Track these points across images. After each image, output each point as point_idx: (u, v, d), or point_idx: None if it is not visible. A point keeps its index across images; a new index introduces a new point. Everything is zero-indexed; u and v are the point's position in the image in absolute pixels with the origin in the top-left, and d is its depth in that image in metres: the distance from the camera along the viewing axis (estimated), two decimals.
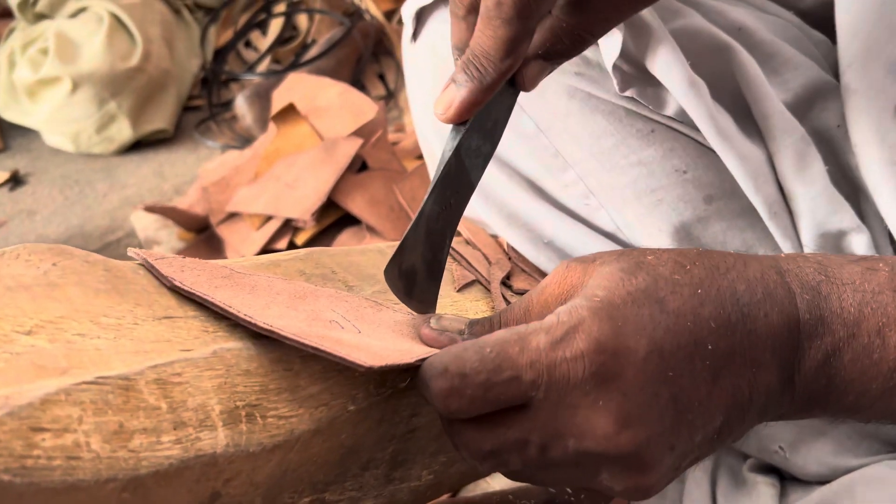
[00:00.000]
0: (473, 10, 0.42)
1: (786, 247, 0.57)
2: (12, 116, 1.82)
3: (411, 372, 0.44)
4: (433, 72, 0.64)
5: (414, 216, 0.45)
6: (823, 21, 0.69)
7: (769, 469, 0.62)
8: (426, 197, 0.45)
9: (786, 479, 0.61)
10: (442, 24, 0.63)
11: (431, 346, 0.42)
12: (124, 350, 0.33)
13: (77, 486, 0.29)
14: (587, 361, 0.35)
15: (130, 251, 0.39)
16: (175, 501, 0.34)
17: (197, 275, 0.39)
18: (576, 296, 0.38)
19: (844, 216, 0.55)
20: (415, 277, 0.46)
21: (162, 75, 1.79)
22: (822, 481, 0.58)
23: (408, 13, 0.65)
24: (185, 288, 0.38)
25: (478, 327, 0.42)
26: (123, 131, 1.75)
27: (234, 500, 0.37)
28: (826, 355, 0.38)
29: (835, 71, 0.63)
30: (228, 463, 0.35)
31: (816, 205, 0.56)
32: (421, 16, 0.64)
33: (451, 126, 0.45)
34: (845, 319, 0.38)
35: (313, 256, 0.49)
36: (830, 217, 0.56)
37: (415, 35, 0.65)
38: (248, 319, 0.37)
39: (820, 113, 0.60)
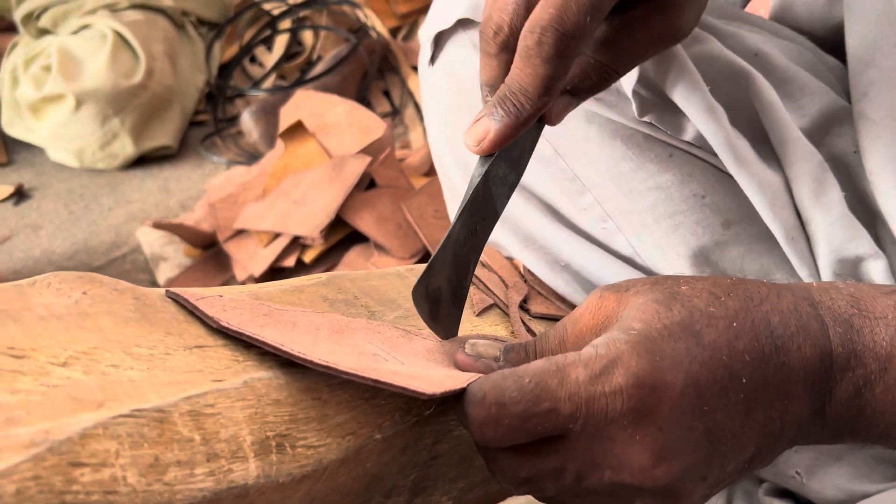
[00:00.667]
0: (506, 48, 0.44)
1: (803, 272, 0.57)
2: (17, 133, 1.82)
3: (435, 400, 0.44)
4: (450, 95, 0.65)
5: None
6: (836, 46, 0.69)
7: (785, 493, 0.62)
8: (454, 221, 0.45)
9: (801, 503, 0.61)
10: (460, 49, 0.63)
11: (467, 370, 0.42)
12: (157, 381, 0.33)
13: None
14: (625, 396, 0.36)
15: (167, 292, 0.39)
16: None
17: (240, 314, 0.39)
18: (611, 326, 0.39)
19: (862, 242, 0.56)
20: (440, 302, 0.47)
21: (165, 92, 1.79)
22: None
23: (426, 36, 0.65)
24: (234, 329, 0.38)
25: (513, 354, 0.43)
26: (126, 148, 1.75)
27: None
28: (857, 387, 0.38)
29: (849, 96, 0.64)
30: (259, 494, 0.35)
31: (833, 231, 0.56)
32: (439, 40, 0.64)
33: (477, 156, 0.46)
34: (877, 353, 0.38)
35: (335, 281, 0.49)
36: (848, 243, 0.56)
37: (432, 59, 0.65)
38: (304, 357, 0.37)
39: (836, 138, 0.60)
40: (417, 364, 0.42)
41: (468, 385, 0.37)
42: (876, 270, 0.56)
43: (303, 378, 0.38)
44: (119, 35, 1.77)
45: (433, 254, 0.45)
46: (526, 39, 0.41)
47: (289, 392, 0.37)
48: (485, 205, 0.47)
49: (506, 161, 0.47)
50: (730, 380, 0.36)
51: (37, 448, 0.26)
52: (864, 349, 0.38)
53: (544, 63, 0.41)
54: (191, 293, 0.39)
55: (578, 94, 0.47)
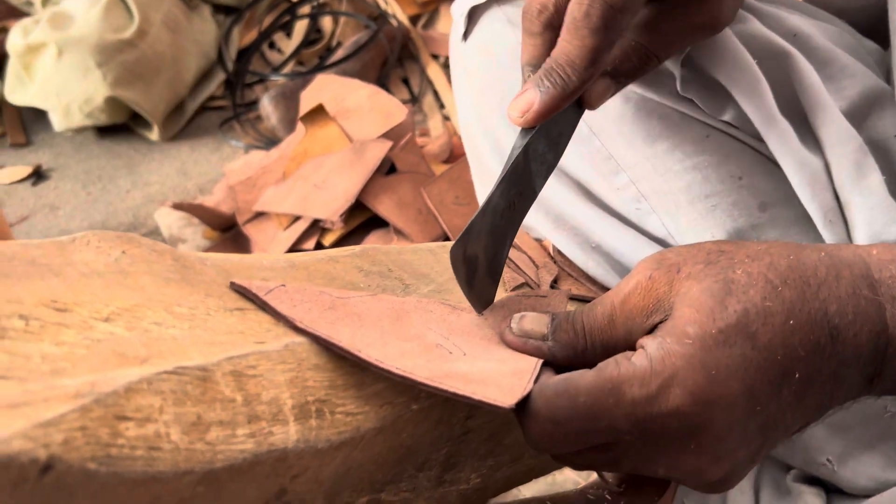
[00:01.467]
0: (549, 27, 0.44)
1: None
2: (17, 98, 1.80)
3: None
4: (483, 71, 0.64)
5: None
6: (873, 29, 0.68)
7: (813, 481, 0.61)
8: (493, 188, 0.45)
9: (831, 491, 0.60)
10: (494, 24, 0.62)
11: (517, 351, 0.42)
12: (200, 341, 0.32)
13: (157, 477, 0.28)
14: (681, 415, 0.36)
15: (233, 284, 0.38)
16: (244, 497, 0.33)
17: (308, 308, 0.38)
18: (663, 310, 0.38)
19: None
20: (476, 269, 0.46)
21: (156, 58, 1.74)
22: (870, 495, 0.57)
23: (459, 11, 0.64)
24: (309, 329, 0.37)
25: (562, 334, 0.42)
26: (102, 91, 1.70)
27: (299, 497, 0.36)
28: None
29: (889, 79, 0.63)
30: (297, 459, 0.34)
31: (873, 215, 0.55)
32: (472, 15, 0.63)
33: (513, 128, 0.46)
34: None
35: (368, 253, 0.49)
36: (888, 227, 0.55)
37: (465, 34, 0.64)
38: (381, 365, 0.37)
39: (876, 121, 0.59)
40: (476, 348, 0.42)
41: (524, 399, 0.37)
42: None
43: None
44: None
45: (472, 218, 0.44)
46: (574, 11, 0.42)
47: (328, 357, 0.37)
48: (523, 178, 0.46)
49: (545, 138, 0.46)
50: (783, 377, 0.37)
51: (83, 399, 0.26)
52: None
53: (592, 34, 0.42)
54: (257, 286, 0.38)
55: (618, 76, 0.48)
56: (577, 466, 0.41)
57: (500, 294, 0.55)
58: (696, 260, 0.39)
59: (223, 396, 0.31)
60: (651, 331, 0.39)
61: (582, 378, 0.37)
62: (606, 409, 0.36)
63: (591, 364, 0.39)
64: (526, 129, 0.45)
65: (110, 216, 1.60)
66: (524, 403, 0.37)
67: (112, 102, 1.74)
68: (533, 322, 0.42)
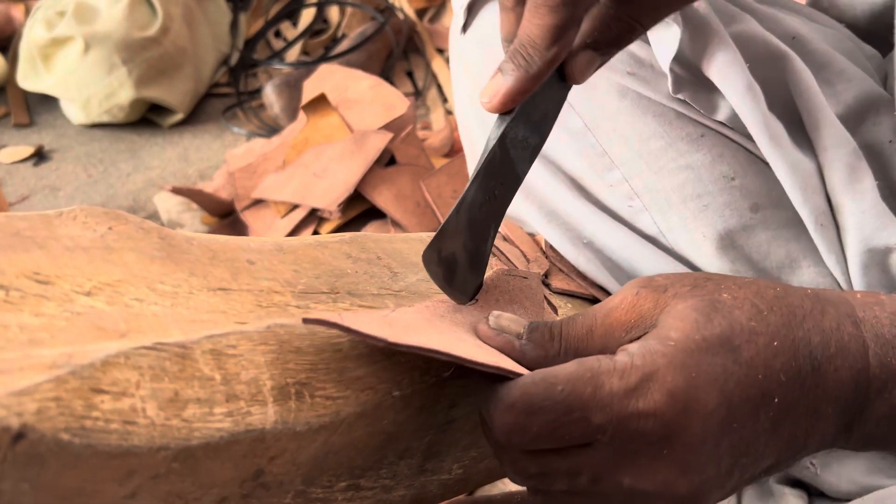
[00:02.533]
0: (521, 1, 0.42)
1: (830, 260, 0.56)
2: (29, 85, 1.80)
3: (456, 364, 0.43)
4: (482, 64, 0.64)
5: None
6: (874, 35, 0.68)
7: (796, 483, 0.61)
8: (468, 185, 0.44)
9: (813, 494, 0.60)
10: (494, 16, 0.62)
11: (487, 344, 0.41)
12: (181, 318, 0.32)
13: (131, 451, 0.28)
14: (658, 414, 0.35)
15: (305, 318, 0.37)
16: (220, 475, 0.33)
17: (379, 327, 0.38)
18: (644, 326, 0.38)
19: (893, 232, 0.55)
20: (456, 266, 0.46)
21: (178, 53, 1.77)
22: (851, 499, 0.57)
23: (459, 4, 0.64)
24: (403, 343, 0.36)
25: (537, 335, 0.41)
26: (129, 93, 1.72)
27: (276, 479, 0.36)
28: (892, 407, 0.38)
29: (885, 85, 0.63)
30: (275, 440, 0.34)
31: (865, 219, 0.55)
32: (472, 7, 0.63)
33: (496, 116, 0.45)
34: None
35: (358, 240, 0.49)
36: (879, 232, 0.55)
37: (465, 27, 0.65)
38: (472, 360, 0.36)
39: (872, 127, 0.59)
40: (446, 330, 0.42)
41: (496, 391, 0.36)
42: None
43: (324, 329, 0.38)
44: None
45: (446, 218, 0.44)
46: None
47: (311, 341, 0.37)
48: (503, 168, 0.45)
49: (525, 123, 0.45)
50: (762, 398, 0.36)
51: (59, 370, 0.26)
52: None
53: (551, 11, 0.40)
54: (328, 316, 0.37)
55: (600, 48, 0.45)
56: (528, 477, 0.38)
57: None
58: (683, 283, 0.39)
59: (202, 374, 0.31)
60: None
61: (562, 368, 0.36)
62: (584, 399, 0.35)
63: None
64: (502, 117, 0.44)
65: (110, 199, 1.60)
66: (490, 400, 0.36)
67: (136, 102, 1.76)
68: (510, 321, 0.42)
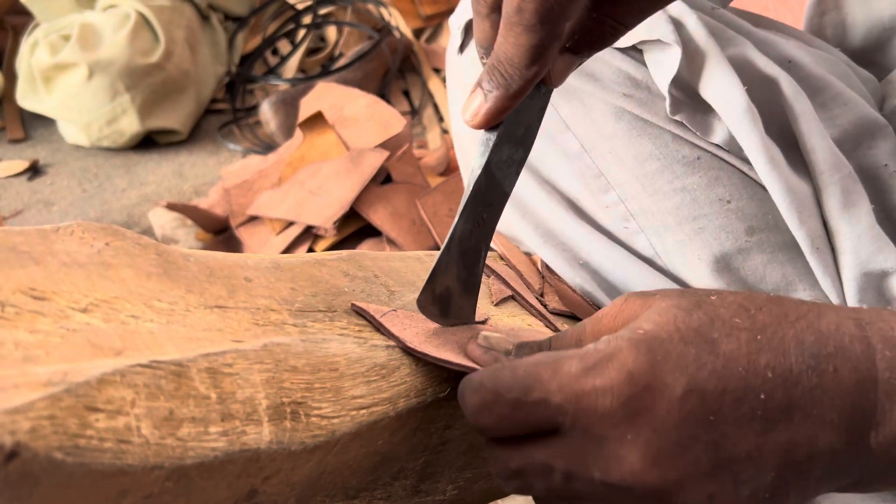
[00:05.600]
0: (497, 8, 0.39)
1: (825, 284, 0.56)
2: (29, 105, 1.81)
3: (451, 382, 0.43)
4: None
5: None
6: (869, 60, 0.69)
7: None
8: (456, 219, 0.44)
9: None
10: None
11: (475, 363, 0.42)
12: (177, 336, 0.32)
13: (125, 470, 0.28)
14: (616, 392, 0.34)
15: (354, 305, 0.43)
16: (214, 495, 0.33)
17: (416, 332, 0.43)
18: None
19: (889, 256, 0.55)
20: (450, 298, 0.46)
21: (181, 77, 1.79)
22: None
23: (456, 24, 0.65)
24: (417, 350, 0.42)
25: (526, 350, 0.41)
26: (133, 125, 1.74)
27: (270, 498, 0.36)
28: None
29: (881, 109, 0.63)
30: (270, 460, 0.34)
31: (861, 243, 0.55)
32: (470, 28, 0.64)
33: (481, 140, 0.44)
34: None
35: (355, 258, 0.49)
36: (874, 256, 0.55)
37: (462, 47, 0.65)
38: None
39: (868, 151, 0.59)
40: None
41: (469, 374, 0.38)
42: None
43: (321, 348, 0.37)
44: (143, 17, 1.77)
45: (437, 259, 0.44)
46: (506, 6, 0.37)
47: (307, 360, 0.36)
48: (489, 191, 0.44)
49: (509, 142, 0.44)
50: (744, 392, 0.34)
51: (54, 388, 0.26)
52: None
53: (527, 32, 0.37)
54: (374, 308, 0.43)
55: (580, 51, 0.43)
56: (508, 477, 0.38)
57: (485, 303, 0.55)
58: (672, 292, 0.38)
59: (197, 393, 0.31)
60: None
61: (530, 357, 0.37)
62: (543, 379, 0.35)
63: None
64: (486, 140, 0.43)
65: (104, 214, 1.59)
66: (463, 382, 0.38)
67: (139, 133, 1.77)
68: (499, 340, 0.42)
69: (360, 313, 0.43)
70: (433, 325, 0.45)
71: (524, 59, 0.38)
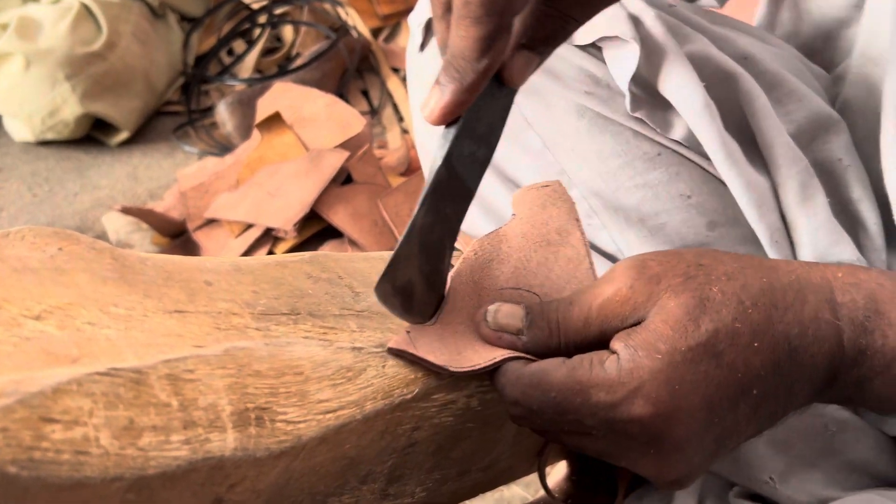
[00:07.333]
0: (450, 8, 0.40)
1: None
2: None
3: (418, 384, 0.43)
4: None
5: (399, 235, 0.45)
6: (821, 55, 0.70)
7: (755, 498, 0.62)
8: (417, 209, 0.43)
9: None
10: None
11: (492, 345, 0.43)
12: (136, 342, 0.31)
13: (83, 483, 0.27)
14: (643, 424, 0.38)
15: (391, 349, 0.43)
16: None
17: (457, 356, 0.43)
18: (638, 316, 0.40)
19: (845, 248, 0.56)
20: (413, 292, 0.45)
21: (127, 71, 1.74)
22: None
23: (416, 22, 0.64)
24: (466, 369, 0.43)
25: (536, 331, 0.42)
26: (75, 110, 1.68)
27: None
28: (859, 380, 0.41)
29: (833, 103, 0.64)
30: (235, 467, 0.33)
31: (818, 235, 0.56)
32: (430, 26, 0.63)
33: (440, 136, 0.44)
34: (885, 354, 0.40)
35: (318, 260, 0.48)
36: (831, 248, 0.56)
37: (422, 45, 0.64)
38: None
39: (822, 145, 0.61)
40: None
41: (502, 385, 0.42)
42: None
43: (285, 352, 0.37)
44: (86, 8, 1.73)
45: (396, 247, 0.43)
46: (455, 1, 0.39)
47: (271, 364, 0.36)
48: (451, 186, 0.44)
49: (470, 137, 0.44)
50: (741, 394, 0.39)
51: (6, 399, 0.25)
52: (872, 351, 0.40)
53: (474, 24, 0.38)
54: (405, 342, 0.43)
55: (536, 47, 0.43)
56: (562, 441, 0.44)
57: None
58: (675, 272, 0.40)
59: (158, 401, 0.30)
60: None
61: (556, 373, 0.39)
62: (574, 406, 0.39)
63: (563, 356, 0.41)
64: (445, 135, 0.43)
65: (56, 219, 1.55)
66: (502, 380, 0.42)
67: (81, 118, 1.72)
68: (508, 316, 0.42)
69: (400, 355, 0.43)
70: (438, 327, 0.45)
71: (474, 52, 0.39)
